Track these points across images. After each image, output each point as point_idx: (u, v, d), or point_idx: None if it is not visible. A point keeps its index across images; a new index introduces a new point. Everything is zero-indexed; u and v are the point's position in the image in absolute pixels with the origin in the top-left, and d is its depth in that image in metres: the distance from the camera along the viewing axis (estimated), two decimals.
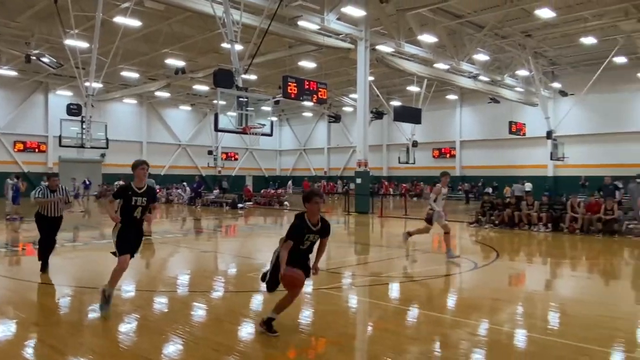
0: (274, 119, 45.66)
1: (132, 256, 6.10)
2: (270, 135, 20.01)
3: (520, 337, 5.50)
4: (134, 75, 31.99)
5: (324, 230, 5.29)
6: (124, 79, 33.23)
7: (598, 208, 15.10)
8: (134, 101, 41.60)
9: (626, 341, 5.32)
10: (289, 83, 18.96)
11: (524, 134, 31.92)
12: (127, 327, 5.62)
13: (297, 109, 45.83)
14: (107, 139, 26.04)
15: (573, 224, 15.27)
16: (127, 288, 7.44)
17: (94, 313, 6.10)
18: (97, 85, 23.40)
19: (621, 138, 30.74)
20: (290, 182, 44.04)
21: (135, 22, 20.37)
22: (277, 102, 38.37)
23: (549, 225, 15.83)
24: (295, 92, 19.07)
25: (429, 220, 10.58)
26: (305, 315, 6.26)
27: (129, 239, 6.05)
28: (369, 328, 5.90)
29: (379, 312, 6.61)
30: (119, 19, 19.37)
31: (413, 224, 19.65)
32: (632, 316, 6.49)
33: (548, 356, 4.88)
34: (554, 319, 6.42)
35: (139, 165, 6.22)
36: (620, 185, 20.82)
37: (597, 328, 5.82)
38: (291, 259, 5.09)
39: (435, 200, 10.47)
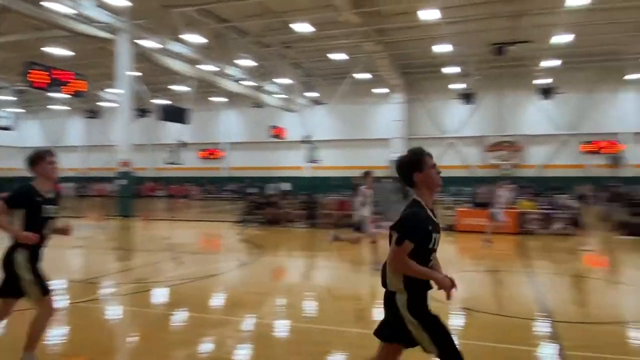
0: (19, 110, 39.58)
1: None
2: (11, 129, 17.23)
3: (283, 328, 5.88)
4: None
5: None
6: None
7: (346, 206, 17.20)
8: None
9: (366, 319, 6.16)
10: (35, 70, 16.60)
11: (283, 138, 34.48)
12: None
13: (48, 100, 40.41)
14: None
15: (326, 220, 17.08)
16: None
17: None
18: None
19: (365, 144, 35.65)
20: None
21: None
22: (20, 92, 33.38)
23: (307, 221, 17.39)
24: (44, 81, 16.79)
25: (359, 227, 9.42)
26: (58, 335, 5.56)
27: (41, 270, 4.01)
28: (133, 338, 5.55)
29: (143, 320, 6.29)
30: None
31: (180, 225, 19.31)
32: (372, 297, 7.53)
33: (310, 342, 5.33)
34: (312, 307, 7.05)
35: (45, 156, 3.94)
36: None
37: (347, 312, 6.61)
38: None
39: (364, 205, 9.37)
